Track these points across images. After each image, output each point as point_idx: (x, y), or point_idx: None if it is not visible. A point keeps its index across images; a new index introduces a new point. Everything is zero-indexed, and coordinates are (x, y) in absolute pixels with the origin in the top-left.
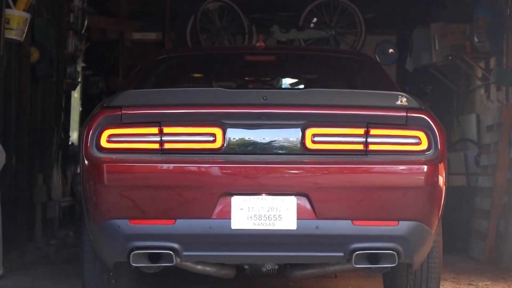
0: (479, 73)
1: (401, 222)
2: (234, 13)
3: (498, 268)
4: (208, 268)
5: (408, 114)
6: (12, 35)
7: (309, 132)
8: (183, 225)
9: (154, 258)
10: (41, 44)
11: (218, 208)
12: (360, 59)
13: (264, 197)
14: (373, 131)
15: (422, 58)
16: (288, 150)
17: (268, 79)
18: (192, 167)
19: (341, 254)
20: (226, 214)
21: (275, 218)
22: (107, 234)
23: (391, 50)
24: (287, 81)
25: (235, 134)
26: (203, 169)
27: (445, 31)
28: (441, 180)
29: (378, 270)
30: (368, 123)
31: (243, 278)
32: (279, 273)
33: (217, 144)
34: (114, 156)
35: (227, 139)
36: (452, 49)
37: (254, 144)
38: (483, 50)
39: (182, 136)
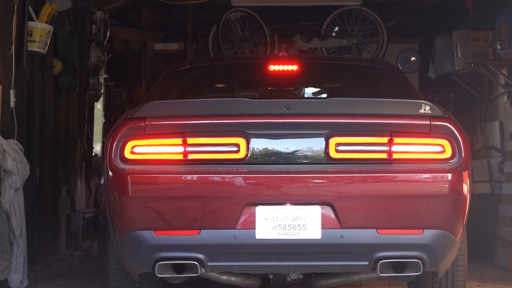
0: (502, 80)
1: (425, 231)
2: (256, 22)
3: None
4: (233, 278)
5: (431, 122)
6: (35, 47)
7: (333, 141)
8: (208, 235)
9: (179, 268)
10: (64, 56)
11: (242, 218)
12: (382, 68)
13: (288, 206)
14: (396, 140)
15: (445, 65)
16: (312, 160)
17: (291, 88)
18: (216, 177)
19: (366, 263)
20: (251, 224)
21: (299, 228)
22: (132, 245)
23: (413, 58)
24: (310, 91)
25: (259, 144)
26: (227, 180)
27: (468, 38)
28: (465, 188)
29: (403, 278)
30: (392, 132)
31: None
32: (304, 283)
33: (241, 154)
34: (138, 167)
35: (251, 149)
36: (474, 56)
37: (277, 154)
38: (505, 57)
39: (206, 147)
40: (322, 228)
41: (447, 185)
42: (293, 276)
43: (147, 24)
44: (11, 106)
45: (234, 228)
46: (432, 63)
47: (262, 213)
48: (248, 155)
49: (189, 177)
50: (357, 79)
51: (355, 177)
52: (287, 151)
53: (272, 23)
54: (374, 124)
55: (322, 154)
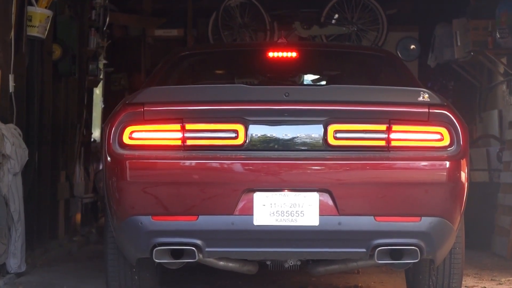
0: (501, 69)
1: (423, 218)
2: (256, 9)
3: None
4: (230, 264)
5: (430, 110)
6: (34, 32)
7: (331, 128)
8: (206, 221)
9: (176, 254)
10: (63, 41)
11: (240, 205)
12: (382, 56)
13: (286, 193)
14: (395, 127)
15: (444, 54)
16: (310, 147)
17: (290, 75)
18: (214, 163)
19: (364, 250)
20: (249, 210)
21: (297, 214)
22: (130, 230)
23: (413, 46)
24: (309, 78)
25: (257, 131)
26: (225, 166)
27: (467, 27)
28: (463, 176)
29: (400, 266)
30: (390, 119)
31: (265, 274)
32: (301, 269)
33: (239, 141)
34: (136, 152)
35: (249, 135)
36: (474, 45)
37: (276, 140)
38: (505, 46)
39: (204, 133)
40: (320, 215)
41: (445, 173)
42: (291, 263)
43: (147, 10)
44: (10, 91)
45: (232, 214)
46: (431, 52)
47: (260, 199)
48: (247, 141)
49: (187, 163)
50: (356, 66)
51: (353, 164)
52: (286, 137)
53: (272, 10)
54: (373, 112)
55: (321, 141)
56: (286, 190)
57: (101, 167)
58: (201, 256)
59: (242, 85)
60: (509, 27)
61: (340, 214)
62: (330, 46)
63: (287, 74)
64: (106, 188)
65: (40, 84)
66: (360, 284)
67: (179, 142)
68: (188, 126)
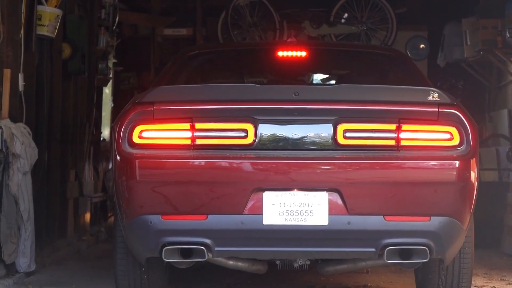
0: (511, 68)
1: (433, 218)
2: (265, 8)
3: None
4: (240, 264)
5: (440, 110)
6: (44, 31)
7: (341, 127)
8: (215, 220)
9: (186, 253)
10: (73, 40)
11: (249, 204)
12: (391, 55)
13: (295, 192)
14: (405, 127)
15: (454, 53)
16: (320, 146)
17: (299, 74)
18: (224, 162)
19: (373, 249)
20: (258, 210)
21: (306, 214)
22: (139, 229)
23: (422, 45)
24: (319, 77)
25: (267, 130)
26: (234, 165)
27: (477, 26)
28: (473, 175)
29: (410, 265)
30: (400, 119)
31: (275, 273)
32: (310, 269)
33: (249, 140)
34: (146, 151)
35: (259, 134)
36: (483, 44)
37: (285, 139)
38: None
39: (213, 132)
40: (329, 214)
41: (455, 173)
42: (300, 262)
43: (156, 9)
44: (20, 90)
45: (241, 213)
46: (441, 51)
47: (270, 198)
48: (256, 140)
49: (196, 162)
50: (366, 66)
51: (363, 164)
52: (295, 137)
53: (281, 9)
54: (382, 111)
55: (330, 140)
56: (295, 190)
57: (110, 166)
58: (210, 255)
59: (251, 84)
60: None
61: (349, 214)
62: (339, 45)
63: (296, 73)
64: (115, 187)
65: (49, 83)
66: (369, 284)
67: (188, 141)
68: (198, 125)
